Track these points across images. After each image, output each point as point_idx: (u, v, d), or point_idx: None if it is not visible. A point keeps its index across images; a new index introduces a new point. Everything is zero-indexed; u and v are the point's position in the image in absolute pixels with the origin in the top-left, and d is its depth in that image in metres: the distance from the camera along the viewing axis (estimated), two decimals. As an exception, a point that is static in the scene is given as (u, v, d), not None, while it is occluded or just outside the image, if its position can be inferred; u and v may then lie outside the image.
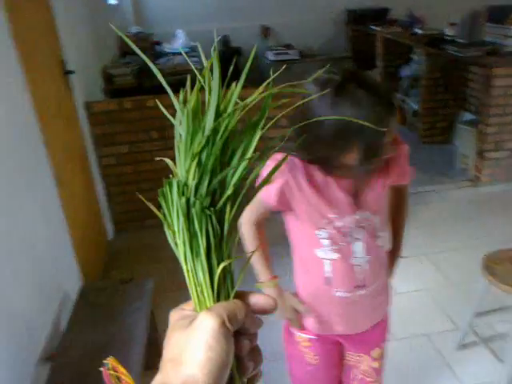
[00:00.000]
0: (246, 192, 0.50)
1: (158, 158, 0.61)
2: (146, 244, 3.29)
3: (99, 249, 3.13)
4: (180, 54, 4.97)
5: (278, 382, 2.24)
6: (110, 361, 0.50)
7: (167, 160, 0.52)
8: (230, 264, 0.48)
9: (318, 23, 6.47)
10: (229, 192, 0.48)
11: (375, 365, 1.50)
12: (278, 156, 1.23)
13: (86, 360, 1.67)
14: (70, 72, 2.83)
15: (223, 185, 0.48)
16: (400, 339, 2.41)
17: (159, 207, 0.49)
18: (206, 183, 0.47)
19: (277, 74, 0.52)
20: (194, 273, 0.47)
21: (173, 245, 0.48)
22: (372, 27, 5.83)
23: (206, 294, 0.47)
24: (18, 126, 1.93)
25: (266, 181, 0.53)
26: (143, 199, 0.55)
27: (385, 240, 1.38)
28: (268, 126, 0.50)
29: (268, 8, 6.32)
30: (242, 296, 0.49)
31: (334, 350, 1.50)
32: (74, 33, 3.03)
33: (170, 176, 0.48)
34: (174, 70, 3.96)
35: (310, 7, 6.36)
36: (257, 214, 1.35)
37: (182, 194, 0.46)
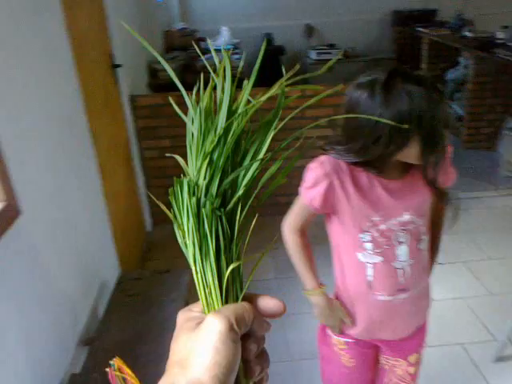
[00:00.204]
0: (257, 193, 0.49)
1: (168, 155, 0.61)
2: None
3: (137, 239, 3.19)
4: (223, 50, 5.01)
5: (306, 381, 2.24)
6: (116, 361, 0.51)
7: (178, 158, 0.52)
8: (239, 266, 0.48)
9: (363, 24, 6.41)
10: (240, 193, 0.47)
11: (411, 370, 1.49)
12: (322, 158, 1.24)
13: (121, 347, 1.72)
14: (118, 66, 2.90)
15: (234, 185, 0.47)
16: (434, 346, 2.37)
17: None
18: (216, 183, 0.46)
19: (289, 74, 0.49)
20: (203, 274, 0.47)
21: (182, 245, 0.48)
22: (419, 29, 5.72)
23: (214, 296, 0.46)
24: (67, 116, 2.00)
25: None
26: (154, 199, 0.56)
27: (426, 244, 1.37)
28: (280, 125, 0.49)
29: (313, 7, 6.29)
30: (250, 298, 0.48)
31: (371, 354, 1.49)
32: (123, 27, 3.10)
33: (181, 175, 0.48)
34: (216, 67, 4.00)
35: (357, 7, 6.30)
36: (301, 220, 1.36)
37: (192, 194, 0.46)
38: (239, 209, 0.47)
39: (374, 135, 1.13)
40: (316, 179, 1.24)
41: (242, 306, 0.45)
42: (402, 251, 1.29)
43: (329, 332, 1.48)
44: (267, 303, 0.47)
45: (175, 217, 0.47)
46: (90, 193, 2.24)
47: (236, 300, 0.47)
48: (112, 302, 2.00)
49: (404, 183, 1.26)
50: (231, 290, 0.47)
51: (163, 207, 0.50)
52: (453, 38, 5.13)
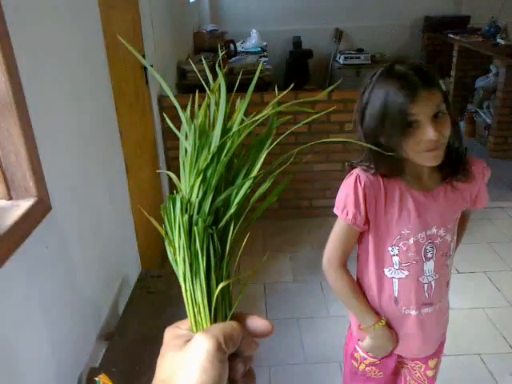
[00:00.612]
0: (248, 212, 0.49)
1: (159, 171, 0.62)
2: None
3: (159, 238, 3.24)
4: (252, 53, 5.06)
5: None
6: (102, 378, 0.53)
7: (171, 174, 0.52)
8: (228, 285, 0.47)
9: (393, 29, 6.37)
10: (232, 211, 0.47)
11: (430, 373, 1.50)
12: (355, 173, 1.26)
13: (139, 343, 1.75)
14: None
15: (227, 203, 0.47)
16: (451, 355, 2.36)
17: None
18: (209, 201, 0.46)
19: (285, 92, 0.51)
20: (192, 292, 0.46)
21: (173, 262, 0.48)
22: (450, 35, 5.66)
23: (203, 315, 0.46)
24: (98, 115, 2.06)
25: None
26: (145, 213, 0.56)
27: (453, 260, 1.38)
28: (274, 143, 0.49)
29: (343, 11, 6.29)
30: (239, 317, 0.48)
31: (395, 362, 1.51)
32: (155, 28, 3.18)
33: (174, 192, 0.48)
34: (246, 70, 4.05)
35: (387, 12, 6.27)
36: (344, 248, 1.32)
37: (184, 211, 0.46)
38: (231, 227, 0.47)
39: (377, 128, 1.18)
40: (354, 195, 1.24)
41: (230, 325, 0.45)
42: (429, 266, 1.30)
43: (363, 354, 1.46)
44: (256, 323, 0.47)
45: (166, 233, 0.48)
46: (116, 190, 2.30)
47: (225, 319, 0.47)
48: (132, 299, 2.04)
49: (434, 196, 1.27)
50: (220, 309, 0.47)
51: (154, 222, 0.51)
52: (485, 46, 5.07)
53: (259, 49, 5.37)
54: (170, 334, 0.46)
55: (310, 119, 0.51)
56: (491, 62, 5.12)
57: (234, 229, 0.47)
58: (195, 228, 0.45)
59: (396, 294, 1.33)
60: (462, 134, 1.26)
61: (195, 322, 0.47)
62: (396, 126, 1.15)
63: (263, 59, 4.79)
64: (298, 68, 6.00)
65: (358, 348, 1.46)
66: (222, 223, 0.47)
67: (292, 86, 0.51)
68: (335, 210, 1.30)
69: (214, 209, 0.46)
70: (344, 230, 1.30)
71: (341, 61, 6.06)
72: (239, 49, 5.27)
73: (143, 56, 2.92)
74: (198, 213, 0.46)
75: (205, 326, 0.46)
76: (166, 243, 0.48)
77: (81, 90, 1.88)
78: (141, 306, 1.99)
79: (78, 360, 1.70)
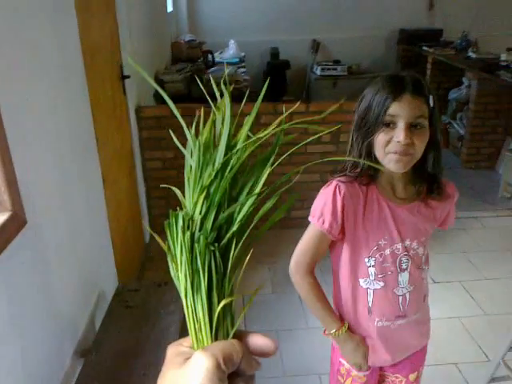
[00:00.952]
0: (251, 229, 0.49)
1: (163, 186, 0.63)
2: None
3: (136, 250, 3.22)
4: (230, 63, 5.07)
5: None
6: None
7: (176, 190, 0.52)
8: (231, 302, 0.47)
9: (369, 41, 6.47)
10: (234, 228, 0.46)
11: None
12: (334, 182, 1.27)
13: (117, 359, 1.73)
14: (126, 77, 2.95)
15: (230, 220, 0.47)
16: (428, 365, 2.37)
17: None
18: (212, 217, 0.46)
19: (290, 111, 0.52)
20: (194, 309, 0.46)
21: (175, 278, 0.48)
22: (424, 48, 5.79)
23: (204, 332, 0.46)
24: (74, 125, 2.03)
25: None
26: (153, 233, 0.55)
27: (427, 273, 1.39)
28: (278, 162, 0.49)
29: (320, 23, 6.36)
30: (241, 335, 0.47)
31: (377, 375, 1.51)
32: (133, 38, 3.16)
33: (177, 208, 0.48)
34: (223, 80, 4.05)
35: (363, 25, 6.37)
36: (312, 254, 1.33)
37: (186, 228, 0.45)
38: (233, 244, 0.47)
39: (361, 125, 1.22)
40: (332, 204, 1.25)
41: (231, 344, 0.44)
42: (404, 278, 1.31)
43: (348, 366, 1.46)
44: (258, 342, 0.47)
45: (169, 248, 0.47)
46: (93, 202, 2.27)
47: (226, 337, 0.47)
48: (109, 314, 2.01)
49: (409, 210, 1.29)
50: (222, 327, 0.46)
51: (159, 240, 0.50)
52: (457, 59, 5.19)
53: (237, 59, 5.39)
54: (172, 351, 0.46)
55: (316, 136, 0.56)
56: (463, 75, 5.24)
57: (236, 246, 0.47)
58: (196, 245, 0.45)
59: (370, 304, 1.34)
60: (440, 155, 1.27)
61: (196, 340, 0.46)
62: (375, 122, 1.17)
63: (241, 70, 4.81)
64: (275, 79, 6.04)
65: (342, 361, 1.47)
66: (225, 240, 0.46)
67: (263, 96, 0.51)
68: (310, 218, 1.30)
69: (217, 226, 0.46)
70: (317, 238, 1.30)
71: (318, 72, 6.12)
72: (217, 59, 5.27)
73: (120, 66, 2.90)
74: (201, 229, 0.46)
75: (206, 343, 0.46)
76: (169, 259, 0.47)
77: (57, 100, 1.85)
78: (118, 320, 1.96)
79: (52, 379, 1.66)
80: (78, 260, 2.00)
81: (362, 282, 1.33)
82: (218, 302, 0.46)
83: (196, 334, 0.46)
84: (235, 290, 0.48)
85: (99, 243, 2.33)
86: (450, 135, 5.20)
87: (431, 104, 1.18)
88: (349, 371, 1.45)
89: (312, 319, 2.70)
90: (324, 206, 1.27)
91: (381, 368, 1.50)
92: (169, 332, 1.87)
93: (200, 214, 0.46)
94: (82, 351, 1.86)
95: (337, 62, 6.25)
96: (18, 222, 1.42)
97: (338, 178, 1.27)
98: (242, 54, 5.66)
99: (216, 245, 0.46)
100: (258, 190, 0.48)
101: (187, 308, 0.47)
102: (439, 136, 1.24)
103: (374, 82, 1.22)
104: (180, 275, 0.46)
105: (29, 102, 1.59)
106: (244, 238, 0.48)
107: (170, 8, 5.41)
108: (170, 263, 0.48)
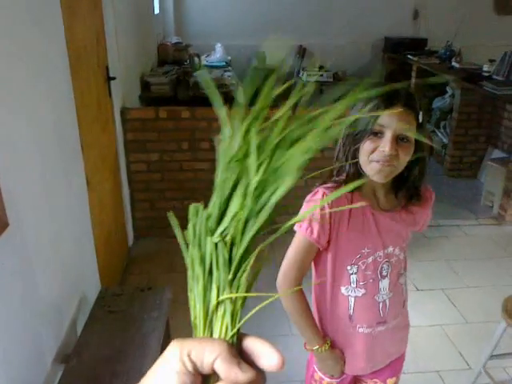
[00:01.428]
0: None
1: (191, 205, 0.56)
2: (165, 252, 3.34)
3: (119, 254, 3.18)
4: (217, 67, 5.06)
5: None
6: None
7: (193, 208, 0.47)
8: (237, 303, 0.44)
9: (354, 48, 6.52)
10: (256, 226, 0.45)
11: None
12: (320, 190, 1.26)
13: (99, 364, 1.69)
14: (112, 78, 2.92)
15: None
16: (410, 373, 2.40)
17: (181, 218, 0.48)
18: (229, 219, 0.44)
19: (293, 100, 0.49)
20: (199, 296, 0.44)
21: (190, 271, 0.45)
22: (409, 56, 5.85)
23: (199, 328, 0.44)
24: (58, 127, 2.00)
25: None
26: (171, 216, 0.49)
27: (405, 279, 1.40)
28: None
29: (306, 28, 6.39)
30: (241, 339, 0.43)
31: (351, 380, 1.51)
32: (119, 39, 3.13)
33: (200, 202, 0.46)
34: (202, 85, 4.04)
35: (349, 32, 6.42)
36: (300, 265, 1.31)
37: (210, 233, 0.44)
38: (246, 239, 0.45)
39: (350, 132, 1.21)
40: (319, 212, 1.25)
41: (211, 342, 0.40)
42: (384, 284, 1.32)
43: (318, 373, 1.47)
44: (255, 347, 0.42)
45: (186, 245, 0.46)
46: (76, 205, 2.24)
47: (224, 337, 0.43)
48: (91, 318, 1.97)
49: (392, 217, 1.30)
50: (219, 325, 0.43)
51: (178, 233, 0.47)
52: (441, 68, 5.25)
53: (224, 63, 5.38)
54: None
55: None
56: (447, 84, 5.31)
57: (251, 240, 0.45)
58: (216, 243, 0.43)
59: (351, 311, 1.34)
60: (425, 171, 1.28)
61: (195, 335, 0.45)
62: (363, 129, 1.17)
63: (228, 73, 4.80)
64: (261, 83, 6.03)
65: (316, 368, 1.47)
66: (246, 240, 0.44)
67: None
68: (297, 228, 1.28)
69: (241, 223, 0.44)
70: (304, 248, 1.29)
71: (304, 77, 6.14)
72: (204, 62, 5.26)
73: (106, 68, 2.87)
74: (218, 224, 0.44)
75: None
76: (187, 256, 0.45)
77: (42, 102, 1.82)
78: (101, 325, 1.93)
79: (33, 383, 1.62)
80: (60, 263, 1.96)
81: (343, 289, 1.33)
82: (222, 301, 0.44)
83: (196, 330, 0.44)
84: (247, 288, 0.45)
85: (82, 246, 2.30)
86: (433, 143, 5.26)
87: (420, 120, 1.19)
88: (322, 379, 1.46)
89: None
90: (311, 215, 1.26)
91: (359, 377, 1.51)
92: (152, 337, 1.85)
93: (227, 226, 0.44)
94: (63, 356, 1.83)
95: (322, 68, 6.28)
96: (-1, 224, 1.39)
97: (324, 186, 1.27)
98: (229, 57, 5.66)
99: (228, 243, 0.44)
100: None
101: (192, 300, 0.45)
102: (425, 153, 1.25)
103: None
104: (194, 271, 0.44)
105: (12, 104, 1.56)
106: (256, 229, 0.46)
107: (156, 10, 5.39)
108: (187, 261, 0.45)
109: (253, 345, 0.42)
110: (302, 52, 6.48)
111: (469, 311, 2.89)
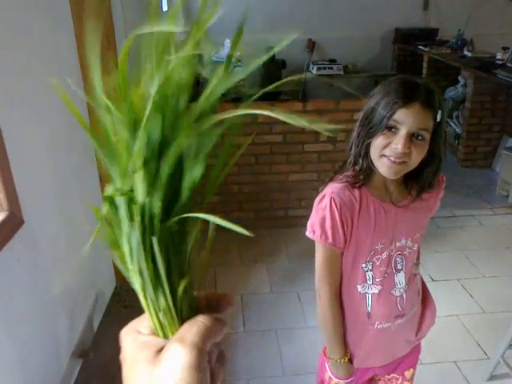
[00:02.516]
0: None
1: None
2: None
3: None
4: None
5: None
6: None
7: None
8: (189, 278, 0.42)
9: (364, 40, 6.47)
10: (183, 200, 0.40)
11: None
12: (328, 193, 1.25)
13: (116, 359, 1.71)
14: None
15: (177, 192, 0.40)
16: (427, 364, 2.38)
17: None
18: (159, 193, 0.38)
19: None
20: (155, 298, 0.41)
21: (124, 272, 0.42)
22: (420, 47, 5.79)
23: (169, 317, 0.41)
24: (71, 125, 2.02)
25: None
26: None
27: (419, 268, 1.39)
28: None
29: (316, 22, 6.35)
30: (199, 304, 0.44)
31: (368, 379, 1.51)
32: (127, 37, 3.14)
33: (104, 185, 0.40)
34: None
35: (359, 24, 6.36)
36: (330, 273, 1.30)
37: (139, 214, 0.38)
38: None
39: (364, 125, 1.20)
40: (331, 218, 1.23)
41: (203, 324, 0.40)
42: (400, 278, 1.31)
43: (330, 375, 1.47)
44: (216, 300, 0.45)
45: (113, 242, 0.42)
46: (91, 202, 2.25)
47: (190, 312, 0.42)
48: (107, 314, 2.00)
49: (403, 208, 1.27)
50: (185, 306, 0.42)
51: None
52: (453, 57, 5.19)
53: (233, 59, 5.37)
54: (133, 343, 0.41)
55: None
56: (459, 73, 5.25)
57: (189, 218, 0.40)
58: (154, 238, 0.38)
59: (369, 309, 1.32)
60: (438, 171, 1.26)
61: (161, 326, 0.41)
62: (378, 123, 1.15)
63: (237, 69, 4.79)
64: (271, 78, 6.03)
65: (327, 366, 1.47)
66: (174, 216, 0.39)
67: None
68: (310, 235, 1.28)
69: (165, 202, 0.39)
70: (325, 254, 1.28)
71: (314, 71, 6.11)
72: (212, 58, 5.25)
73: (116, 66, 2.88)
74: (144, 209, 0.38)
75: (173, 328, 0.41)
76: (115, 254, 0.41)
77: (54, 100, 1.83)
78: (116, 320, 1.94)
79: (52, 378, 1.65)
80: (76, 260, 1.98)
81: (359, 287, 1.31)
82: (178, 283, 0.41)
83: (159, 320, 0.41)
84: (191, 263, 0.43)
85: (97, 243, 2.31)
86: (446, 134, 5.20)
87: (438, 119, 1.16)
88: (330, 378, 1.46)
89: (311, 318, 2.70)
90: (323, 221, 1.24)
91: (375, 375, 1.51)
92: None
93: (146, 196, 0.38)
94: (81, 352, 1.85)
95: (333, 61, 6.24)
96: (15, 221, 1.41)
97: (331, 190, 1.25)
98: (238, 53, 5.65)
99: (173, 223, 0.39)
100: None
101: (145, 299, 0.41)
102: (442, 153, 1.22)
103: (388, 81, 1.19)
104: (132, 267, 0.40)
105: (24, 100, 1.57)
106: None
107: (165, 7, 5.40)
108: (116, 258, 0.42)
109: (208, 298, 0.45)
110: (311, 46, 6.45)
111: (485, 301, 2.86)
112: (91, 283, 2.16)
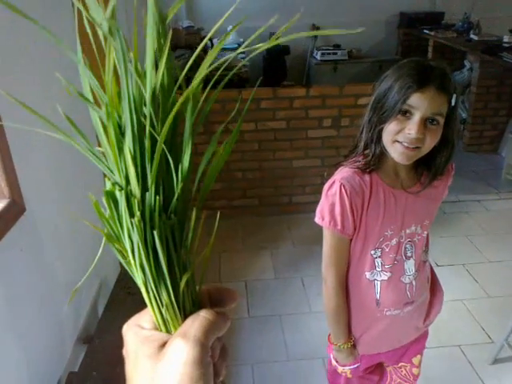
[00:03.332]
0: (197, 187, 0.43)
1: None
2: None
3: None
4: (229, 49, 5.03)
5: (304, 382, 2.27)
6: None
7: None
8: (191, 272, 0.42)
9: (369, 25, 6.39)
10: (178, 190, 0.40)
11: (415, 371, 1.52)
12: (337, 180, 1.23)
13: (121, 345, 1.72)
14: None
15: (171, 184, 0.40)
16: (432, 348, 2.38)
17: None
18: (154, 185, 0.38)
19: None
20: (157, 292, 0.41)
21: (126, 265, 0.43)
22: (425, 31, 5.72)
23: (171, 312, 0.41)
24: (74, 110, 2.02)
25: None
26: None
27: (428, 255, 1.39)
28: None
29: (319, 7, 6.29)
30: (202, 298, 0.44)
31: (376, 366, 1.52)
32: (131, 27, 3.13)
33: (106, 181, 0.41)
34: (221, 66, 4.02)
35: (363, 9, 6.29)
36: (338, 260, 1.29)
37: (130, 207, 0.38)
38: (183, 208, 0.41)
39: (376, 109, 1.17)
40: (340, 204, 1.21)
41: (205, 319, 0.40)
42: (410, 265, 1.30)
43: (336, 365, 1.48)
44: (219, 295, 0.45)
45: (111, 236, 0.42)
46: (93, 189, 2.26)
47: (193, 307, 0.43)
48: (112, 300, 2.01)
49: (414, 194, 1.26)
50: (187, 300, 0.42)
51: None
52: (459, 41, 5.13)
53: (236, 45, 5.33)
54: (135, 337, 0.41)
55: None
56: (465, 58, 5.19)
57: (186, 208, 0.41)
58: (155, 232, 0.38)
59: (378, 296, 1.32)
60: (451, 157, 1.22)
61: (163, 321, 0.42)
62: (391, 108, 1.11)
63: (241, 55, 4.77)
64: (275, 64, 5.99)
65: (331, 356, 1.48)
66: (172, 208, 0.39)
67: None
68: (319, 221, 1.26)
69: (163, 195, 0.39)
70: (334, 240, 1.27)
71: (318, 57, 6.06)
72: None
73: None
74: (143, 203, 0.39)
75: (175, 323, 0.41)
76: (115, 248, 0.41)
77: (54, 87, 1.83)
78: (121, 307, 1.96)
79: (56, 365, 1.66)
80: (78, 246, 1.99)
81: (368, 274, 1.30)
82: (180, 277, 0.41)
83: (162, 315, 0.41)
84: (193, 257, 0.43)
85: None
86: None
87: (452, 103, 1.12)
88: (336, 367, 1.48)
89: (315, 304, 2.70)
90: (332, 207, 1.23)
91: (384, 362, 1.51)
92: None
93: (138, 182, 0.38)
94: (85, 338, 1.87)
95: (337, 47, 6.19)
96: (16, 209, 1.41)
97: (340, 175, 1.22)
98: (241, 39, 5.61)
99: (173, 217, 0.39)
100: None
101: (147, 293, 0.42)
102: (455, 138, 1.19)
103: (400, 64, 1.16)
104: (133, 261, 0.40)
105: (25, 90, 1.57)
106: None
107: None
108: (116, 252, 0.42)
109: (211, 293, 0.45)
110: (315, 31, 6.39)
111: (490, 285, 2.85)
112: (95, 270, 2.17)
